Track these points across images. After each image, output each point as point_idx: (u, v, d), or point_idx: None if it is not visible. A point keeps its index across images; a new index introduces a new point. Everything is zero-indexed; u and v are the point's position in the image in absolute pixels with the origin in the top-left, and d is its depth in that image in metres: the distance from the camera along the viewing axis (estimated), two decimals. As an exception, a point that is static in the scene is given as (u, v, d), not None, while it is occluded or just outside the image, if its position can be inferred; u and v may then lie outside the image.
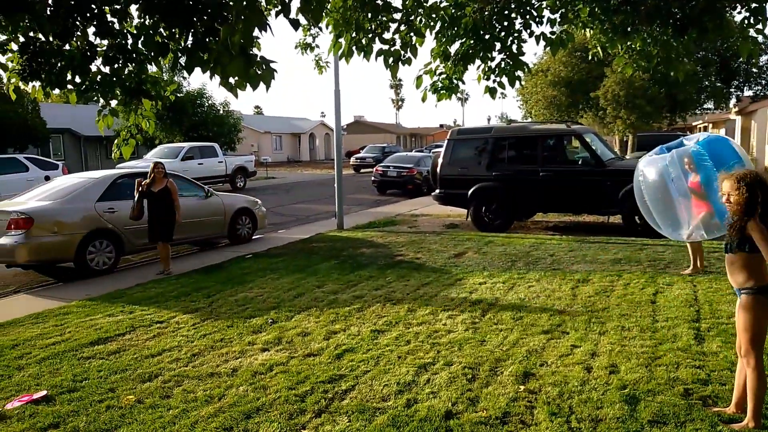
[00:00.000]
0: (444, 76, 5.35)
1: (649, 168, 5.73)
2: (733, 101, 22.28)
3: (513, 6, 5.26)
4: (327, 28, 5.12)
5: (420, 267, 7.42)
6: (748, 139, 21.68)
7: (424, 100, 5.42)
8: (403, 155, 21.86)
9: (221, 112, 29.63)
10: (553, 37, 5.22)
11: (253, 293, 6.32)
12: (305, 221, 12.72)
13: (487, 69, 5.32)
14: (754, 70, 19.21)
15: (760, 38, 4.76)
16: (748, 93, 20.73)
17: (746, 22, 4.56)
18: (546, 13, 5.43)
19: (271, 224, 11.85)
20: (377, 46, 5.08)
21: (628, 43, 5.51)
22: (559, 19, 5.49)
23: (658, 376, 3.73)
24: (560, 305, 5.50)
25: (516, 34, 5.23)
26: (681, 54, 5.31)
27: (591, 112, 19.38)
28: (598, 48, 5.74)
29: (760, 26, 4.53)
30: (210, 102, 29.29)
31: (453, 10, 5.22)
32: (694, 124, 42.18)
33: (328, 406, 3.53)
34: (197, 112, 28.33)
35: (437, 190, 10.84)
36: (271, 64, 3.17)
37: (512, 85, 5.32)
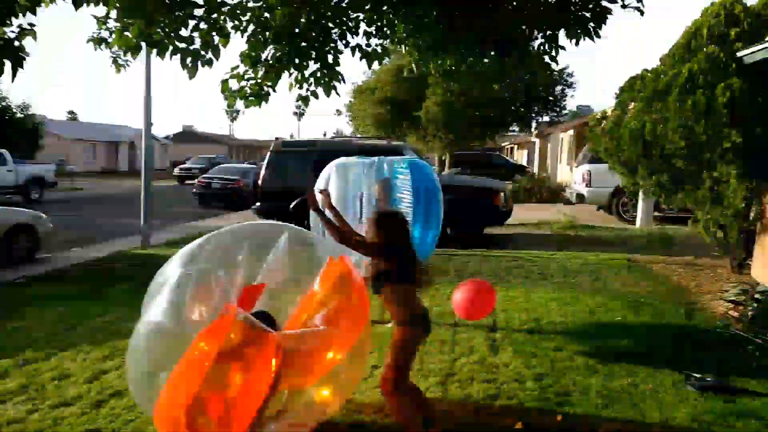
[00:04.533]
0: (253, 81, 5.07)
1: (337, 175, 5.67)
2: (534, 125, 25.17)
3: (329, 14, 5.18)
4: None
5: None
6: (545, 159, 24.61)
7: (230, 106, 5.08)
8: (229, 166, 20.96)
9: (18, 114, 25.83)
10: (369, 50, 5.22)
11: (11, 326, 5.21)
12: (108, 237, 11.40)
13: (300, 77, 5.16)
14: (550, 98, 21.99)
15: (554, 65, 5.20)
16: (546, 119, 23.71)
17: (542, 48, 4.98)
18: (363, 25, 5.43)
19: (68, 241, 10.42)
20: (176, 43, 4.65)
21: (439, 62, 5.74)
22: (374, 33, 5.53)
23: (452, 394, 3.78)
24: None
25: (332, 44, 5.16)
26: (491, 77, 5.68)
27: (414, 131, 20.54)
28: (413, 65, 5.91)
29: (553, 53, 4.94)
30: (4, 104, 25.35)
31: (264, 13, 4.98)
32: (503, 144, 47.04)
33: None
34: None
35: (258, 203, 10.44)
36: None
37: (327, 95, 5.20)
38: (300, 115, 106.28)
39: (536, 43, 4.99)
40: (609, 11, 4.57)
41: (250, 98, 5.10)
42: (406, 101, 19.60)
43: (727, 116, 6.29)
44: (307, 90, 5.24)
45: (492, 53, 5.30)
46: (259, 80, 5.09)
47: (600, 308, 5.63)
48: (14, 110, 25.50)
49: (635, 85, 8.10)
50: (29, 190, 19.73)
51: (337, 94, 5.32)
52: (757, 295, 4.58)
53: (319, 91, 5.07)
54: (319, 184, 5.62)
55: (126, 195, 24.29)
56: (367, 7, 5.07)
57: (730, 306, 5.10)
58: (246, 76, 5.03)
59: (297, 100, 5.27)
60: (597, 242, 9.81)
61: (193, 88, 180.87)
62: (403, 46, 5.75)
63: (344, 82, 5.34)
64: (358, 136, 10.55)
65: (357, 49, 5.20)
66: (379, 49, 5.34)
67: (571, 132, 21.48)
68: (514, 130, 24.35)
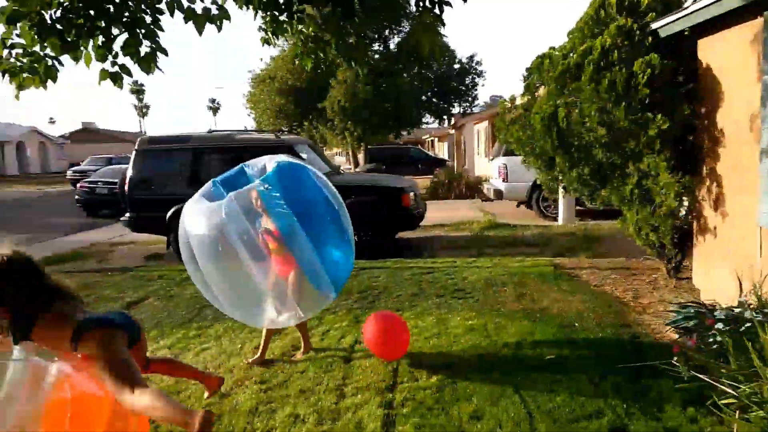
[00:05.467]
0: (23, 51, 3.53)
1: (197, 219, 3.69)
2: (449, 117, 24.44)
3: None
4: None
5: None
6: (463, 152, 23.97)
7: None
8: (120, 167, 18.68)
9: None
10: (200, 12, 3.82)
11: None
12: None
13: (103, 46, 3.68)
14: (461, 87, 21.27)
15: (444, 32, 4.04)
16: (459, 110, 23.03)
17: (421, 4, 3.79)
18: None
19: None
20: None
21: (300, 28, 4.45)
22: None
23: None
24: (232, 379, 4.11)
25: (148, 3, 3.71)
26: (360, 43, 4.46)
27: (322, 123, 19.12)
28: (269, 35, 4.56)
29: (437, 11, 3.74)
30: None
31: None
32: (423, 137, 46.58)
33: None
34: None
35: (127, 214, 8.73)
36: None
37: (148, 71, 3.79)
38: (215, 110, 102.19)
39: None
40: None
41: (25, 75, 3.57)
42: (310, 90, 18.15)
43: (649, 97, 5.41)
44: (113, 64, 3.78)
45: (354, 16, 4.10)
46: (35, 50, 3.56)
47: (528, 339, 4.55)
48: None
49: (543, 66, 7.15)
50: None
51: (158, 69, 3.90)
52: (719, 323, 3.62)
53: (133, 66, 3.64)
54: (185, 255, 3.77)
55: (12, 201, 21.35)
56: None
57: (681, 331, 4.16)
58: (8, 43, 3.49)
59: (102, 79, 3.79)
60: (519, 243, 8.90)
61: (93, 80, 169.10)
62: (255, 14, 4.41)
63: (167, 54, 3.91)
64: (247, 129, 9.09)
65: (183, 11, 3.78)
66: (213, 7, 3.94)
67: (486, 123, 20.88)
68: (428, 122, 23.47)
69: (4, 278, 2.34)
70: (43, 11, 3.48)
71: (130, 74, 3.86)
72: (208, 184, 4.22)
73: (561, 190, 8.00)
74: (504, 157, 11.37)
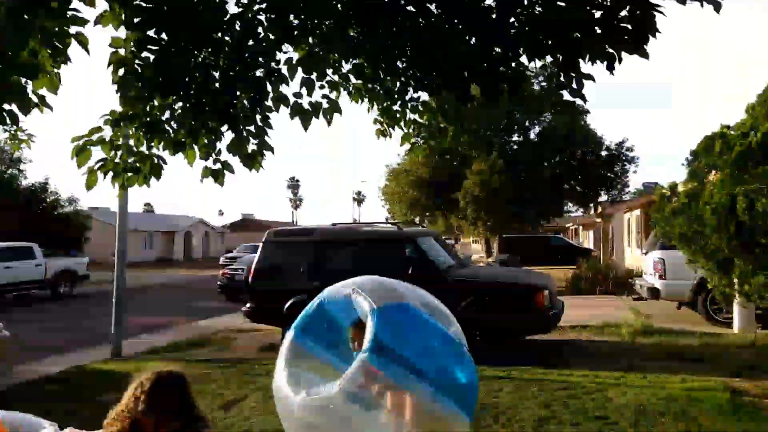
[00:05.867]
0: (128, 151, 3.47)
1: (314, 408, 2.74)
2: (595, 205, 22.75)
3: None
4: None
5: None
6: (610, 243, 21.91)
7: (90, 186, 3.44)
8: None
9: (66, 208, 26.16)
10: (307, 106, 3.54)
11: None
12: (93, 343, 9.92)
13: (206, 144, 3.54)
14: (610, 174, 19.75)
15: (581, 102, 3.31)
16: (605, 198, 21.36)
17: (557, 80, 3.12)
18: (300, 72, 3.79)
19: (45, 348, 9.08)
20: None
21: (413, 118, 4.03)
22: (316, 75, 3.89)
23: None
24: None
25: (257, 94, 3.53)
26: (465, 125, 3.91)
27: (453, 214, 18.70)
28: (384, 126, 4.19)
29: (574, 85, 3.03)
30: (53, 198, 25.80)
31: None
32: (566, 225, 44.18)
33: None
34: (36, 208, 24.76)
35: (248, 304, 8.71)
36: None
37: (250, 167, 3.59)
38: (359, 201, 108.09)
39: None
40: (655, 8, 2.63)
41: (129, 174, 3.47)
42: (443, 182, 17.94)
43: None
44: (216, 161, 3.60)
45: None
46: (138, 149, 3.48)
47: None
48: (62, 204, 25.80)
49: (714, 147, 6.01)
50: (58, 284, 19.18)
51: (260, 167, 3.65)
52: None
53: (235, 162, 3.45)
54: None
55: (166, 286, 23.50)
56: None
57: None
58: (116, 142, 3.42)
59: (202, 178, 3.62)
60: (681, 357, 7.29)
61: (256, 176, 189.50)
62: (371, 105, 4.07)
63: (273, 151, 3.68)
64: (368, 222, 8.94)
65: (282, 102, 3.51)
66: (324, 102, 3.65)
67: (637, 212, 18.94)
68: (570, 211, 21.94)
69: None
70: (153, 112, 3.43)
71: (232, 171, 3.67)
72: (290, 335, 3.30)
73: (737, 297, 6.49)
74: (661, 250, 9.83)
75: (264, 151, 3.69)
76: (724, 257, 5.36)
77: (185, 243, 47.21)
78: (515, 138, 20.19)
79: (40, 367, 7.91)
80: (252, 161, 3.59)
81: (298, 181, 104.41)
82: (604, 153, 19.87)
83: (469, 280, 7.71)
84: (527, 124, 19.90)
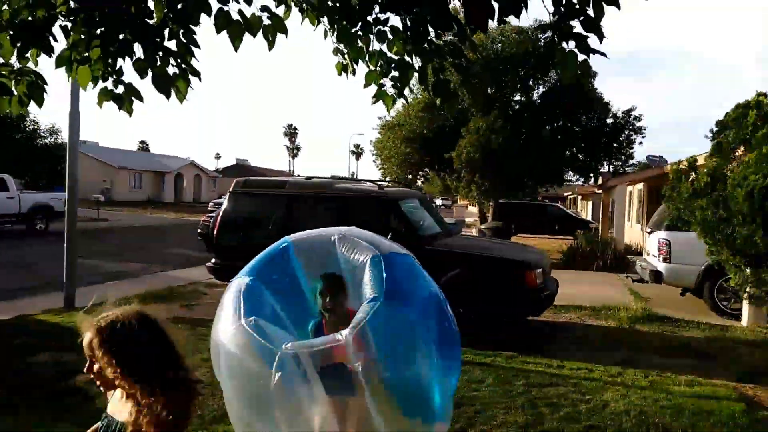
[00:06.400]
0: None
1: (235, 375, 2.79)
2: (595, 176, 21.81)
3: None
4: None
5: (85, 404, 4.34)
6: (611, 215, 21.11)
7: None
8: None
9: (46, 139, 25.00)
10: (237, 16, 2.59)
11: None
12: (50, 289, 9.14)
13: (102, 58, 2.61)
14: (614, 144, 18.68)
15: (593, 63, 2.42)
16: (608, 168, 20.38)
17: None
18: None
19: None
20: None
21: (380, 49, 3.06)
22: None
23: None
24: None
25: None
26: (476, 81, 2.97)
27: (447, 174, 17.70)
28: (347, 59, 3.21)
29: (590, 11, 2.16)
30: (32, 128, 24.60)
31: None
32: (565, 194, 43.36)
33: None
34: (11, 137, 23.61)
35: (212, 260, 7.89)
36: None
37: (167, 95, 2.71)
38: (358, 155, 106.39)
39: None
40: None
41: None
42: (438, 139, 16.84)
43: None
44: (118, 83, 2.70)
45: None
46: (6, 59, 2.55)
47: None
48: (42, 134, 24.65)
49: (747, 118, 5.12)
50: (34, 219, 18.34)
51: (184, 97, 2.75)
52: None
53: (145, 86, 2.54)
54: None
55: (149, 228, 22.68)
56: None
57: None
58: None
59: (100, 102, 2.72)
60: (685, 351, 6.56)
61: (255, 121, 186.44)
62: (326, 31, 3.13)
63: (200, 77, 2.77)
64: (349, 178, 7.94)
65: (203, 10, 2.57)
66: (265, 16, 2.71)
67: (640, 186, 18.08)
68: (570, 180, 20.93)
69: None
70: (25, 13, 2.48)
71: (140, 97, 2.78)
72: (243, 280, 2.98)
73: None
74: (667, 231, 9.00)
75: (189, 77, 2.78)
76: (756, 252, 4.52)
77: (176, 185, 46.17)
78: (517, 98, 19.03)
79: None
80: (168, 86, 2.66)
81: (296, 129, 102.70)
82: (610, 120, 18.78)
83: (452, 251, 6.88)
84: (531, 83, 18.69)
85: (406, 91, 3.23)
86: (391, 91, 3.01)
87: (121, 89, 2.75)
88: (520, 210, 20.77)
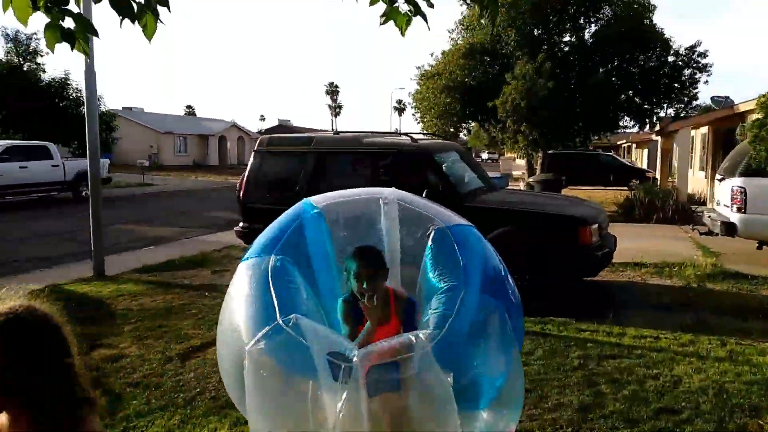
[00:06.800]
0: None
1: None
2: (654, 120, 20.24)
3: None
4: None
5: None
6: (669, 162, 19.64)
7: None
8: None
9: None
10: None
11: None
12: (88, 257, 9.03)
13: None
14: (675, 85, 17.08)
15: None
16: (669, 113, 18.78)
17: None
18: None
19: (39, 258, 8.55)
20: None
21: None
22: None
23: None
24: None
25: None
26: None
27: (491, 125, 16.62)
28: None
29: None
30: (76, 94, 24.78)
31: None
32: (618, 143, 41.18)
33: None
34: (56, 105, 23.91)
35: (240, 224, 7.49)
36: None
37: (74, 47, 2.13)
38: (400, 110, 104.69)
39: None
40: None
41: None
42: (481, 88, 15.71)
43: None
44: (63, 13, 2.16)
45: None
46: None
47: None
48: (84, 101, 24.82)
49: None
50: (79, 187, 18.59)
51: (152, 35, 2.20)
52: None
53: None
54: None
55: (194, 192, 22.79)
56: None
57: None
58: None
59: (49, 43, 2.19)
60: (766, 314, 5.75)
61: (297, 81, 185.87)
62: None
63: (168, 7, 2.19)
64: (380, 132, 7.23)
65: None
66: None
67: (705, 129, 16.60)
68: (626, 126, 19.39)
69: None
70: None
71: (94, 32, 2.26)
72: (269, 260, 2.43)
73: None
74: (741, 177, 7.99)
75: (158, 8, 2.21)
76: None
77: (220, 148, 46.49)
78: (566, 38, 17.54)
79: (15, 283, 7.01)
80: (130, 9, 2.10)
81: (337, 87, 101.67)
82: (671, 59, 17.08)
83: (496, 208, 6.20)
84: (581, 21, 17.13)
85: (429, 12, 2.54)
86: (404, 8, 2.34)
87: (70, 23, 2.21)
88: (570, 161, 19.60)
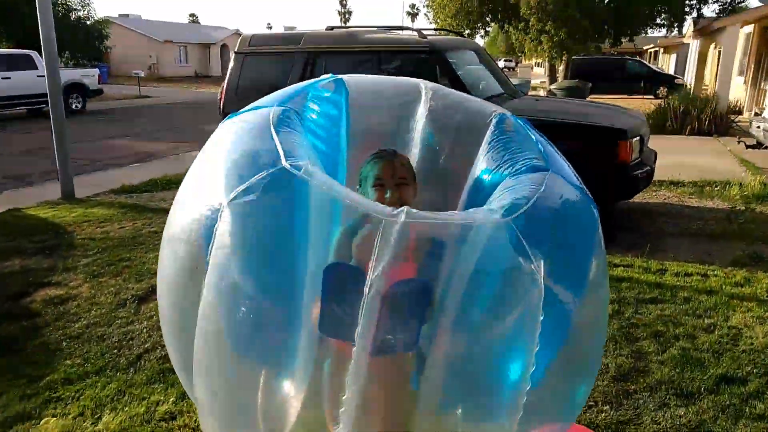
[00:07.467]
0: None
1: None
2: (689, 21, 18.35)
3: None
4: None
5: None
6: (704, 69, 17.97)
7: None
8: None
9: (77, 14, 23.56)
10: None
11: None
12: (53, 178, 8.28)
13: None
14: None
15: None
16: (707, 12, 16.91)
17: None
18: None
19: (11, 177, 7.82)
20: None
21: None
22: None
23: None
24: None
25: None
26: None
27: (512, 26, 14.97)
28: None
29: None
30: (62, 1, 23.08)
31: None
32: (644, 47, 38.58)
33: None
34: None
35: (221, 138, 6.55)
36: None
37: None
38: (413, 15, 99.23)
39: None
40: None
41: None
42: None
43: None
44: None
45: None
46: None
47: None
48: (74, 7, 23.20)
49: None
50: (68, 99, 17.56)
51: None
52: None
53: None
54: None
55: (189, 105, 21.67)
56: None
57: None
58: None
59: None
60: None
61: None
62: None
63: None
64: (374, 27, 6.02)
65: None
66: None
67: (749, 29, 14.90)
68: (662, 25, 17.48)
69: None
70: None
71: None
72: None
73: None
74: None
75: None
76: None
77: (222, 57, 44.47)
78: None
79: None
80: None
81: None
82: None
83: (529, 116, 5.19)
84: None
85: None
86: None
87: None
88: (595, 66, 18.02)
